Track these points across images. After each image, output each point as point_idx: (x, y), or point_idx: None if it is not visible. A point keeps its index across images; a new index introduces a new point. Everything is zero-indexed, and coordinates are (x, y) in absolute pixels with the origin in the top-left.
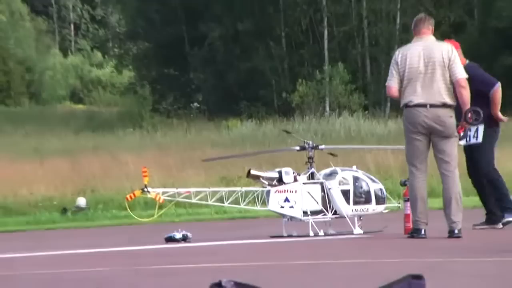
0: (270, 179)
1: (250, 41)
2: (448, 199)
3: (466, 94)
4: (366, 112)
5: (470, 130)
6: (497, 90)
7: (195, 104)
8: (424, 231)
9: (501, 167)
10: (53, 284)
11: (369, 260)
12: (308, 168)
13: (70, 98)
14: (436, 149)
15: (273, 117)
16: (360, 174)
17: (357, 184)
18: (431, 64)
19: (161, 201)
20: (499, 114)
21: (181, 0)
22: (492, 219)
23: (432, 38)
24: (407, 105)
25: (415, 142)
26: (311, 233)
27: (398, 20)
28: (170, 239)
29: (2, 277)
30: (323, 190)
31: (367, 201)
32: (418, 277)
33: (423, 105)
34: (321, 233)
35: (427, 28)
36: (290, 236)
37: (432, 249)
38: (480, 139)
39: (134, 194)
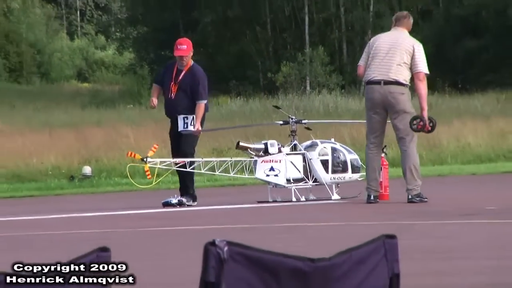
0: (257, 150)
1: (238, 26)
2: (403, 170)
3: (422, 87)
4: (343, 90)
5: (187, 119)
6: (203, 106)
7: None
8: (374, 197)
9: (462, 139)
10: (63, 244)
11: (345, 223)
12: (291, 141)
13: (76, 77)
14: (392, 125)
15: (259, 95)
16: (337, 145)
17: (335, 154)
18: (394, 47)
19: (148, 177)
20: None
21: None
22: (189, 194)
23: (406, 32)
24: (366, 83)
25: (372, 118)
26: (294, 199)
27: (371, 8)
28: (167, 204)
29: (18, 237)
30: (304, 160)
31: (344, 170)
32: (392, 237)
33: (378, 82)
34: (303, 198)
35: (405, 25)
36: (275, 201)
37: (401, 213)
38: (194, 129)
39: (134, 155)
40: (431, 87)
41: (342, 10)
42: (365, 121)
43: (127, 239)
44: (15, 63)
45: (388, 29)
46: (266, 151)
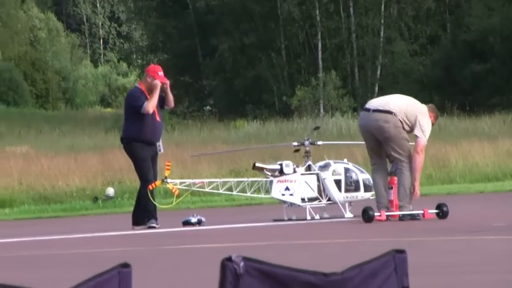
0: (273, 170)
1: (254, 52)
2: (397, 186)
3: (418, 158)
4: (355, 113)
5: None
6: (146, 108)
7: (207, 107)
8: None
9: (470, 159)
10: (87, 262)
11: (358, 240)
12: (306, 161)
13: (100, 102)
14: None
15: (275, 118)
16: (350, 166)
17: (347, 174)
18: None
19: (176, 193)
20: None
21: (195, 17)
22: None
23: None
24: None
25: (366, 143)
26: (308, 217)
27: (382, 34)
28: (187, 223)
29: (45, 256)
30: (318, 180)
31: (357, 189)
32: (401, 252)
33: (367, 109)
34: (317, 217)
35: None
36: (290, 219)
37: (412, 229)
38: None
39: (155, 184)
40: (441, 109)
41: (354, 36)
42: None
43: (149, 257)
44: (41, 90)
45: (400, 54)
46: (281, 172)
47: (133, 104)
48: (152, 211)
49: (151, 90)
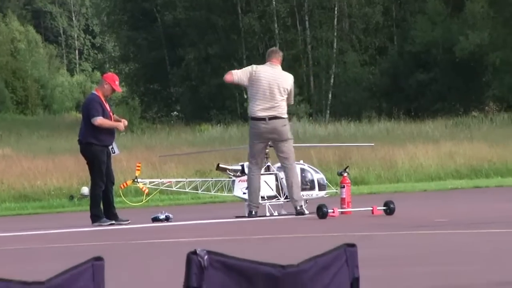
0: (235, 171)
1: (218, 62)
2: (289, 184)
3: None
4: (311, 118)
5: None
6: (97, 121)
7: (175, 112)
8: (255, 213)
9: (415, 160)
10: (63, 255)
11: (313, 234)
12: (265, 162)
13: (75, 108)
14: (276, 149)
15: (236, 122)
16: (306, 166)
17: (303, 174)
18: (276, 84)
19: (146, 192)
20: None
21: (163, 30)
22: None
23: (280, 66)
24: (251, 118)
25: (256, 145)
26: (268, 214)
27: (335, 45)
28: (156, 219)
29: (24, 250)
30: (277, 179)
31: (312, 188)
32: (352, 245)
33: (263, 118)
34: (275, 213)
35: (277, 59)
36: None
37: (362, 225)
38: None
39: (126, 183)
40: (389, 115)
41: (309, 47)
42: (332, 144)
43: (121, 250)
44: (21, 97)
45: (351, 64)
46: (242, 172)
47: (89, 112)
48: (101, 211)
49: (106, 96)
